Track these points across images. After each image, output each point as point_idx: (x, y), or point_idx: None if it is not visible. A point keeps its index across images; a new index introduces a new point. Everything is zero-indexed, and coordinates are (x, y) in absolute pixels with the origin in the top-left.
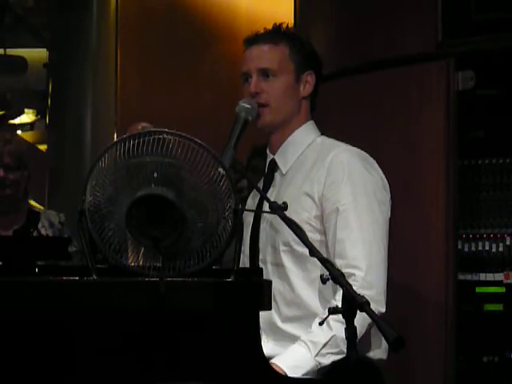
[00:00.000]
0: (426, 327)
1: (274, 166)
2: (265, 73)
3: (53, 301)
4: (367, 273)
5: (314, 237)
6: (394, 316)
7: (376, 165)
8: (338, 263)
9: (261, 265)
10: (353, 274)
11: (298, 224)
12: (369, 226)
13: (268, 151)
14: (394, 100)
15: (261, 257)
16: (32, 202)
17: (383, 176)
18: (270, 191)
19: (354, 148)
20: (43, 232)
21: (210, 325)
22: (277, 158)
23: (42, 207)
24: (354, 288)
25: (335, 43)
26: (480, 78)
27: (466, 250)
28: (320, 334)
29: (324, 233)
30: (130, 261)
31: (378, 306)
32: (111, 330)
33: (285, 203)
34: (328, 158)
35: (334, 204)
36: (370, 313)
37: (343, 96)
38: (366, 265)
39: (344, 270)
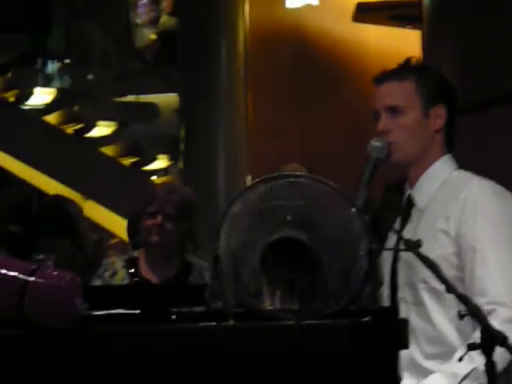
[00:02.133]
0: None
1: (410, 201)
2: (392, 110)
3: (190, 347)
4: (511, 307)
5: (450, 273)
6: None
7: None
8: (479, 301)
9: (400, 303)
10: (494, 310)
11: (433, 261)
12: (508, 262)
13: (406, 186)
14: None
15: (400, 295)
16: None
17: None
18: (407, 227)
19: (489, 182)
20: None
21: (348, 367)
22: (414, 193)
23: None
24: (497, 323)
25: (462, 78)
26: None
27: None
28: (461, 366)
29: (462, 269)
30: (266, 304)
31: None
32: (249, 375)
33: (419, 240)
34: (462, 194)
35: (469, 242)
36: (510, 347)
37: (471, 131)
38: (509, 299)
39: (485, 307)
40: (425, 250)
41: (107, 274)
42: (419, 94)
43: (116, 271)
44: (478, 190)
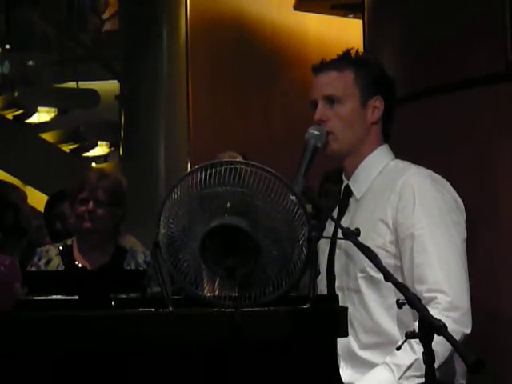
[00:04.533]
0: (509, 347)
1: (348, 191)
2: (330, 100)
3: (130, 333)
4: (449, 295)
5: (389, 262)
6: (474, 336)
7: (449, 185)
8: (419, 289)
9: (338, 292)
10: (435, 298)
11: (372, 249)
12: (446, 249)
13: (343, 176)
14: (466, 124)
15: (337, 284)
16: (133, 240)
17: (457, 197)
18: (344, 217)
19: (426, 170)
20: None
21: (287, 353)
22: (351, 183)
23: (136, 245)
24: (437, 311)
25: (404, 67)
26: None
27: None
28: (404, 357)
29: (400, 258)
30: (205, 291)
31: (463, 328)
32: (188, 361)
33: (357, 229)
34: (399, 183)
35: (408, 229)
36: (448, 336)
37: (414, 120)
38: (447, 287)
39: (425, 295)
40: (363, 239)
41: (42, 261)
42: (358, 85)
43: (51, 259)
44: (414, 177)
